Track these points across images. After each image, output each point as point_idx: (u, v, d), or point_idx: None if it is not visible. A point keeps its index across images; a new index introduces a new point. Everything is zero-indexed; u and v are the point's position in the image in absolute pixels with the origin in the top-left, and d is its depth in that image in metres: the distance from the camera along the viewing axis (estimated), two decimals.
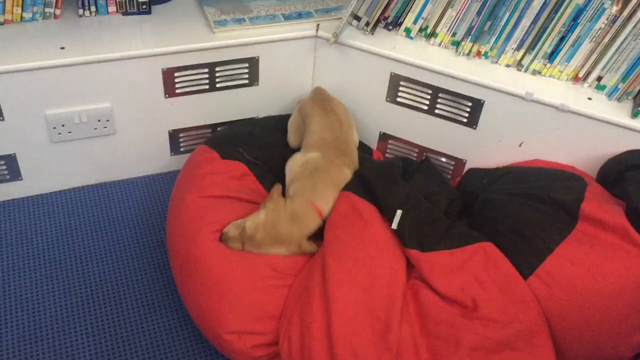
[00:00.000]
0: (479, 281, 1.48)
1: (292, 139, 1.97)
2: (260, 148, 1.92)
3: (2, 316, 1.71)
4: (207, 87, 2.05)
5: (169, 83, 1.98)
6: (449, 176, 2.13)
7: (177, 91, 2.02)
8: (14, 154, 1.95)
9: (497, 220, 1.62)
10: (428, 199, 1.71)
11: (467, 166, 2.08)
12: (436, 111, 2.02)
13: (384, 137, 2.17)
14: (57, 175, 2.05)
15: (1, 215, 1.99)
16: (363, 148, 2.13)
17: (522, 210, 1.59)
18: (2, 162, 1.95)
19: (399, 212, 1.58)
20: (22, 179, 2.01)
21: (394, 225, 1.57)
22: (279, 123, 2.07)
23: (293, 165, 1.82)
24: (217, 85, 2.06)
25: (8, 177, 1.99)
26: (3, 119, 1.85)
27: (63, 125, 1.93)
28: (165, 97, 2.01)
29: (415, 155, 2.16)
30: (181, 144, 2.17)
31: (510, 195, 1.64)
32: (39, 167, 2.00)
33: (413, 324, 1.43)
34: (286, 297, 1.55)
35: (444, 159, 2.12)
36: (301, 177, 1.74)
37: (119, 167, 2.12)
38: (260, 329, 1.51)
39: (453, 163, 2.10)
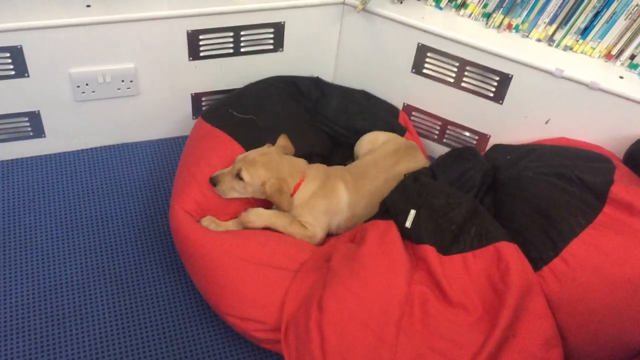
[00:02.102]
0: (491, 285, 1.46)
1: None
2: (251, 106, 1.94)
3: (22, 271, 1.74)
4: (231, 51, 2.03)
5: (194, 45, 1.97)
6: None
7: (202, 54, 2.00)
8: (38, 111, 1.95)
9: (522, 198, 1.60)
10: (462, 177, 1.69)
11: (491, 141, 2.05)
12: (462, 84, 1.99)
13: (407, 109, 2.15)
14: (79, 134, 2.06)
15: (23, 171, 2.01)
16: (390, 110, 2.12)
17: (549, 189, 1.56)
18: (26, 119, 1.96)
19: (412, 212, 1.56)
20: (45, 137, 2.02)
21: (408, 224, 1.55)
22: (268, 82, 2.06)
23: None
24: (242, 50, 2.04)
25: (31, 134, 2.00)
26: (28, 76, 1.85)
27: (87, 84, 1.93)
28: (190, 60, 2.00)
29: (438, 128, 2.13)
30: (203, 108, 2.16)
31: (537, 174, 1.62)
32: (62, 125, 2.01)
33: (414, 336, 1.39)
34: (287, 288, 1.53)
35: (467, 134, 2.09)
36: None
37: (140, 129, 2.13)
38: (260, 318, 1.52)
39: (476, 138, 2.08)
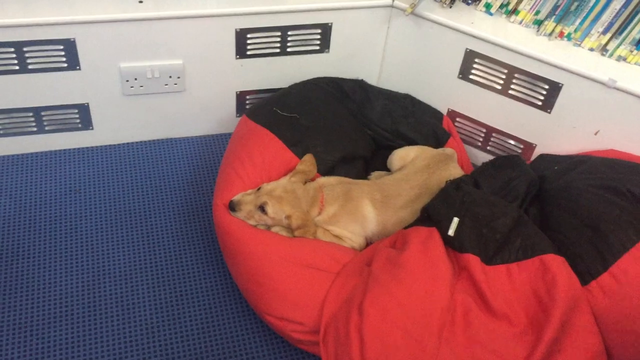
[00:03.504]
0: (537, 297, 1.43)
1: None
2: (295, 105, 1.93)
3: (68, 260, 1.77)
4: (278, 50, 2.04)
5: (241, 44, 1.98)
6: None
7: (248, 53, 2.02)
8: (87, 103, 1.99)
9: (570, 210, 1.57)
10: (506, 186, 1.66)
11: (537, 151, 2.02)
12: (510, 92, 1.96)
13: (451, 114, 2.13)
14: (126, 127, 2.09)
15: (71, 162, 2.05)
16: (434, 115, 2.10)
17: (599, 202, 1.53)
18: (75, 111, 2.00)
19: (455, 220, 1.55)
20: (92, 129, 2.06)
21: (451, 232, 1.53)
22: (314, 83, 2.06)
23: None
24: (288, 50, 2.05)
25: (80, 126, 2.04)
26: (79, 69, 1.89)
27: (136, 79, 1.96)
28: (236, 58, 2.02)
29: (483, 135, 2.10)
30: (247, 107, 2.17)
31: (587, 186, 1.58)
32: (109, 118, 2.05)
33: (456, 346, 1.37)
34: (328, 290, 1.52)
35: (512, 142, 2.06)
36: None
37: (185, 124, 2.15)
38: (299, 319, 1.52)
39: (522, 146, 2.05)
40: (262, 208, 1.64)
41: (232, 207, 1.65)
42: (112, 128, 2.08)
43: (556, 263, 1.45)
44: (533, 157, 2.01)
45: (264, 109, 1.93)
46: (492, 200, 1.59)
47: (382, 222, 1.73)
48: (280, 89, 2.08)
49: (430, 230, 1.57)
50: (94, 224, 1.88)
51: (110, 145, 2.11)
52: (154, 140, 2.15)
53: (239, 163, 1.78)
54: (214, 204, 1.73)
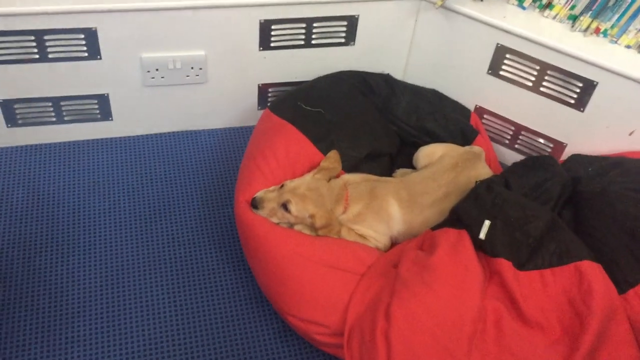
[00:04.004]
0: (572, 306, 1.38)
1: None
2: (320, 99, 1.88)
3: (88, 255, 1.74)
4: (302, 42, 1.99)
5: (265, 35, 1.93)
6: None
7: (272, 45, 1.96)
8: (107, 94, 1.95)
9: (607, 215, 1.51)
10: (539, 188, 1.60)
11: (567, 150, 1.96)
12: (541, 89, 1.89)
13: (479, 111, 2.07)
14: (146, 118, 2.05)
15: (89, 153, 2.01)
16: (462, 111, 2.04)
17: (637, 207, 1.47)
18: (95, 102, 1.96)
19: (487, 223, 1.49)
20: (112, 120, 2.02)
21: (482, 235, 1.48)
22: (339, 76, 2.00)
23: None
24: (313, 42, 2.00)
25: (99, 116, 2.00)
26: (100, 58, 1.85)
27: (157, 70, 1.91)
28: (260, 50, 1.97)
29: (511, 132, 2.04)
30: (269, 99, 2.13)
31: (625, 190, 1.53)
32: (129, 109, 2.01)
33: (487, 354, 1.32)
34: (354, 291, 1.48)
35: (541, 140, 2.00)
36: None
37: (205, 116, 2.11)
38: (323, 321, 1.47)
39: (552, 145, 1.98)
40: (285, 206, 1.59)
41: (255, 204, 1.61)
42: (131, 119, 2.04)
43: (592, 270, 1.39)
44: (563, 157, 1.95)
45: (288, 102, 1.88)
46: (524, 203, 1.53)
47: (408, 221, 1.69)
48: (304, 82, 2.03)
49: (460, 233, 1.52)
50: (112, 216, 1.84)
51: (129, 137, 2.07)
52: (174, 132, 2.11)
53: (261, 158, 1.73)
54: (235, 201, 1.69)
